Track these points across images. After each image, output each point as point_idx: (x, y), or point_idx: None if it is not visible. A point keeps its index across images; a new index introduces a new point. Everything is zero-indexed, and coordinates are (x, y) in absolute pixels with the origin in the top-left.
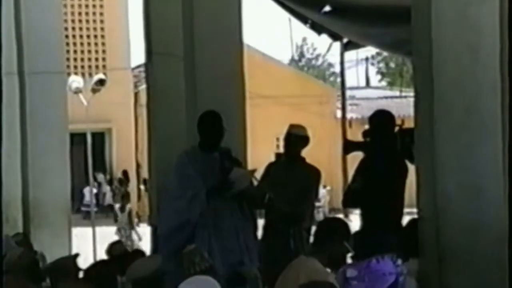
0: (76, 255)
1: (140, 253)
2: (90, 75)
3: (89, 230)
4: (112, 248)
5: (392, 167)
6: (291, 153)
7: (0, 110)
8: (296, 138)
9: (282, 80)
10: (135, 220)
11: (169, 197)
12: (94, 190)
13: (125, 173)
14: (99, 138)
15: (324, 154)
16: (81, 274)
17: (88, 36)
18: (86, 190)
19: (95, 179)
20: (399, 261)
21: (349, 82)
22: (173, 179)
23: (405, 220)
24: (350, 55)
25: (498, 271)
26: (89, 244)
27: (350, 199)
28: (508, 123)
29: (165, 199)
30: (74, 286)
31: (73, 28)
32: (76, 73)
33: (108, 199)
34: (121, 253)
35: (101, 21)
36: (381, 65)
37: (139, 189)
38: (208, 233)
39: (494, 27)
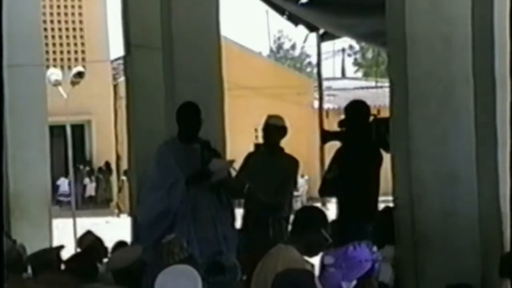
0: (61, 247)
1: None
2: (69, 67)
3: (69, 221)
4: (83, 240)
5: (367, 156)
6: (270, 144)
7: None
8: (274, 128)
9: (260, 72)
10: (116, 211)
11: (150, 188)
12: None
13: (107, 164)
14: (79, 130)
15: (302, 144)
16: (62, 266)
17: (67, 29)
18: (60, 182)
19: (78, 170)
20: (375, 248)
21: (326, 73)
22: (153, 169)
23: (380, 207)
24: (326, 46)
25: (471, 256)
26: (70, 235)
27: (326, 188)
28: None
29: (146, 190)
30: (56, 276)
31: (52, 21)
32: (55, 66)
33: (89, 190)
34: (92, 243)
35: (80, 14)
36: (357, 56)
37: (119, 180)
38: (187, 223)
39: (466, 18)
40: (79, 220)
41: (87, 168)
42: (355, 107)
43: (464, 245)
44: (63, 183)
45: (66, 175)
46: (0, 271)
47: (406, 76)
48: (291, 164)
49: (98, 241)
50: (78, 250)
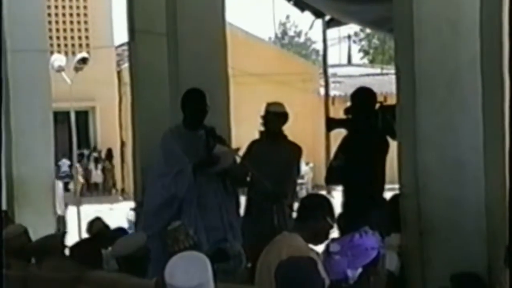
0: (64, 233)
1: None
2: (73, 53)
3: (73, 208)
4: (93, 226)
5: (374, 144)
6: (272, 131)
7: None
8: (274, 115)
9: (265, 58)
10: (120, 197)
11: (155, 175)
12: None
13: (109, 151)
14: (83, 116)
15: (307, 131)
16: (66, 252)
17: (71, 14)
18: (61, 162)
19: (82, 157)
20: (381, 236)
21: (331, 60)
22: (159, 156)
23: (387, 195)
24: (332, 32)
25: (478, 244)
26: (74, 222)
27: (333, 176)
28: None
29: (151, 177)
30: (60, 263)
31: (56, 6)
32: (59, 52)
33: (95, 176)
34: (101, 229)
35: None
36: (363, 42)
37: (123, 167)
38: (194, 210)
39: (474, 2)
40: (83, 207)
41: (94, 154)
42: (362, 94)
43: (471, 234)
44: (64, 164)
45: (70, 160)
46: (0, 258)
47: (413, 62)
48: (294, 151)
49: (106, 228)
50: (86, 235)
